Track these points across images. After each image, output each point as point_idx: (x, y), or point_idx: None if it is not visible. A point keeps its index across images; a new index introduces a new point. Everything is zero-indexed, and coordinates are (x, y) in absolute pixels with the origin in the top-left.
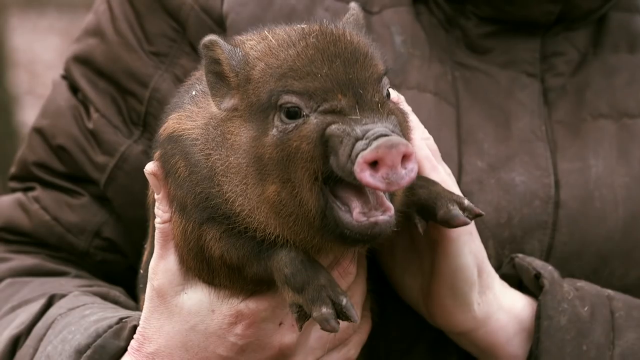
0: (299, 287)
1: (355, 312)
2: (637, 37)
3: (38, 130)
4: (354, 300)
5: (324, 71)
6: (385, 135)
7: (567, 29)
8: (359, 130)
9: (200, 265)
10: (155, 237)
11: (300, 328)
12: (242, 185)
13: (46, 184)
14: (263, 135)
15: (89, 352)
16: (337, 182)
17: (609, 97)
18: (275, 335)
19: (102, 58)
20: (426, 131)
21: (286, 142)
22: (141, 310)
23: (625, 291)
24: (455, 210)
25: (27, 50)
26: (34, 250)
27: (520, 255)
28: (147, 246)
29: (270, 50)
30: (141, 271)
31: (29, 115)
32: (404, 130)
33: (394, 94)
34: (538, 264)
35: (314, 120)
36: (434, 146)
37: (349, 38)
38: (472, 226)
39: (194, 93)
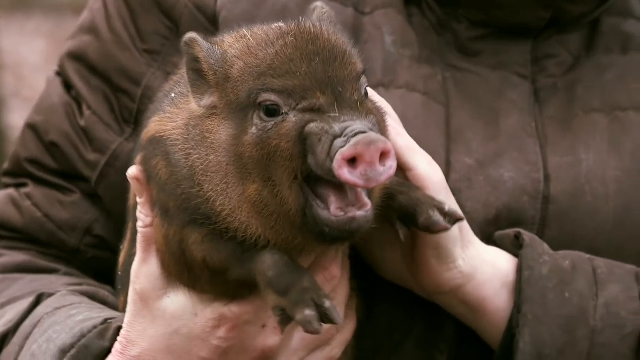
0: (283, 290)
1: (339, 314)
2: (629, 40)
3: (31, 126)
4: (338, 300)
5: (303, 69)
6: (364, 132)
7: (560, 33)
8: (337, 127)
9: (181, 270)
10: (138, 241)
11: (283, 331)
12: (223, 185)
13: (38, 181)
14: (242, 134)
15: (73, 351)
16: (317, 180)
17: (600, 92)
18: (259, 338)
19: (96, 55)
20: (403, 130)
21: (266, 141)
22: (123, 312)
23: None
24: (436, 216)
25: (13, 52)
26: (25, 247)
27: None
28: (122, 247)
29: (249, 49)
30: (119, 272)
31: (15, 117)
32: (382, 129)
33: (370, 92)
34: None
35: (292, 118)
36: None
37: (327, 36)
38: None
39: (173, 95)
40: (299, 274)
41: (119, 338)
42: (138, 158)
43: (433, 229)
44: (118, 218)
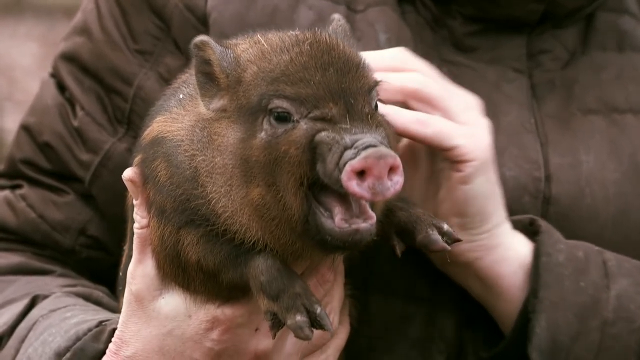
0: (274, 295)
1: (330, 321)
2: (625, 37)
3: (25, 128)
4: (332, 306)
5: (317, 78)
6: (374, 146)
7: (555, 27)
8: (348, 139)
9: (176, 271)
10: (134, 242)
11: (274, 335)
12: (227, 187)
13: (32, 182)
14: (251, 138)
15: (68, 354)
16: (321, 189)
17: (597, 92)
18: (251, 341)
19: (88, 56)
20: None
21: (274, 146)
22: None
23: None
24: (434, 235)
25: (5, 56)
26: (20, 248)
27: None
28: (125, 248)
29: (263, 54)
30: (120, 273)
31: (7, 121)
32: (391, 143)
33: (380, 106)
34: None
35: (303, 126)
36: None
37: (342, 48)
38: (489, 156)
39: (181, 96)
40: (291, 279)
41: (113, 338)
42: (136, 159)
43: (430, 247)
44: (112, 218)
